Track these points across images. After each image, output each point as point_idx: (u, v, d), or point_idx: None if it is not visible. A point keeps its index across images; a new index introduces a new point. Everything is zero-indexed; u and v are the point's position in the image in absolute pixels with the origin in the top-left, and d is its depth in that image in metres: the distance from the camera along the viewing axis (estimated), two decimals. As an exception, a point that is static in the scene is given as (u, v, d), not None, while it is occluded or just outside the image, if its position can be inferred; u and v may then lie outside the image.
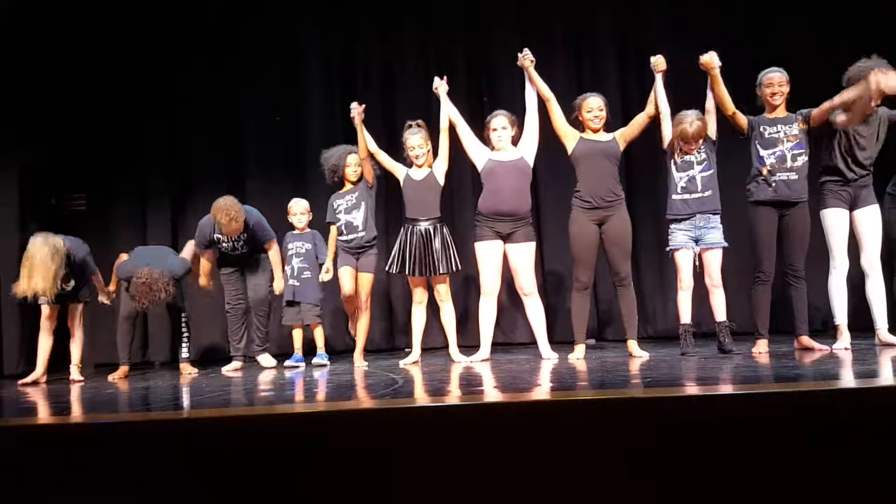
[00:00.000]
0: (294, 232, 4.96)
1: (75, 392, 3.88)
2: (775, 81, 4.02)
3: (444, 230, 4.51)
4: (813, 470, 2.11)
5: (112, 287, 4.88)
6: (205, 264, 4.84)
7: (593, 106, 4.28)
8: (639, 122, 4.29)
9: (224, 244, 4.72)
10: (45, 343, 4.51)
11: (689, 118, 4.00)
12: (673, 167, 4.10)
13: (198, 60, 5.93)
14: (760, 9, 5.52)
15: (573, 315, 4.31)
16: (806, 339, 4.02)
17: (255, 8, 5.95)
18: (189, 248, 4.94)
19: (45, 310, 4.49)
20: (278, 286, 4.79)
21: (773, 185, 3.96)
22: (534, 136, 4.40)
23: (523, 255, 4.36)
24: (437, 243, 4.43)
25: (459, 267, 4.55)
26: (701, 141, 4.03)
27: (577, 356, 4.20)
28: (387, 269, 4.60)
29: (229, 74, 5.96)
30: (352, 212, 4.66)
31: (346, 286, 4.64)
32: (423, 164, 4.53)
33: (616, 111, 5.13)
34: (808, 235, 4.01)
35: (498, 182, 4.34)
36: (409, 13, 5.98)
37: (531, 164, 4.41)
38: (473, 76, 5.96)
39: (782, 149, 3.97)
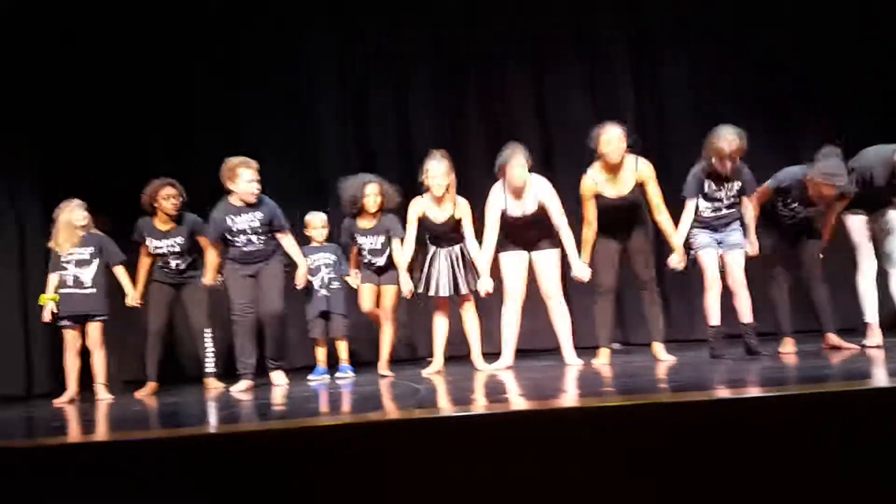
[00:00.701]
0: (314, 245, 4.91)
1: (104, 410, 3.92)
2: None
3: (466, 250, 4.50)
4: (843, 470, 2.07)
5: (139, 290, 4.72)
6: (212, 257, 4.50)
7: (612, 138, 4.09)
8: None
9: (239, 230, 4.30)
10: (72, 362, 4.52)
11: (728, 136, 3.85)
12: (702, 197, 4.04)
13: (198, 60, 5.93)
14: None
15: (597, 320, 4.30)
16: (834, 338, 3.98)
17: (255, 8, 5.95)
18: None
19: (68, 331, 4.52)
20: (301, 276, 4.47)
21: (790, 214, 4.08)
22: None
23: (547, 261, 4.34)
24: (461, 264, 4.45)
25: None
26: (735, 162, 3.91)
27: (602, 361, 4.19)
28: (416, 290, 4.54)
29: (229, 74, 5.96)
30: (377, 255, 4.61)
31: (366, 303, 4.67)
32: (441, 196, 4.38)
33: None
34: (818, 234, 4.11)
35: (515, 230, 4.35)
36: (410, 13, 5.97)
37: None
38: (485, 76, 5.98)
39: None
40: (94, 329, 4.53)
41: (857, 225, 4.08)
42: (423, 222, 4.47)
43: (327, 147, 6.06)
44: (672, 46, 5.82)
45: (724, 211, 4.05)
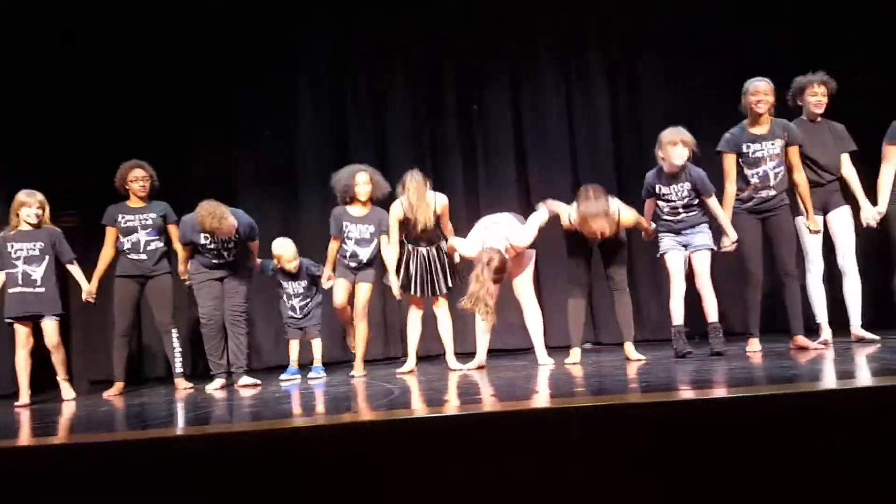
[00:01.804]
0: (284, 269, 4.75)
1: (70, 411, 3.85)
2: (761, 90, 3.99)
3: (443, 251, 4.58)
4: (808, 469, 2.11)
5: (93, 285, 4.61)
6: (182, 252, 4.54)
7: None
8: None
9: (210, 248, 4.35)
10: (23, 362, 4.35)
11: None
12: (659, 201, 4.15)
13: (198, 60, 5.91)
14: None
15: (570, 320, 4.34)
16: (801, 339, 4.04)
17: (255, 8, 5.93)
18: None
19: (20, 329, 4.36)
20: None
21: (752, 201, 4.04)
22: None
23: (520, 264, 4.35)
24: (437, 265, 4.54)
25: (460, 281, 4.57)
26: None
27: (573, 360, 4.24)
28: (399, 292, 4.59)
29: (229, 74, 5.95)
30: (363, 245, 4.61)
31: (339, 298, 4.65)
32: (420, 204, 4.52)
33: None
34: (794, 237, 4.09)
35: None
36: (409, 12, 5.98)
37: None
38: (463, 86, 6.02)
39: (765, 168, 4.02)
40: (50, 328, 4.38)
41: (804, 226, 4.11)
42: (405, 223, 4.53)
43: (307, 148, 6.06)
44: (650, 50, 5.91)
45: (683, 214, 4.10)
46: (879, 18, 5.38)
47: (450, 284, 4.57)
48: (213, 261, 4.40)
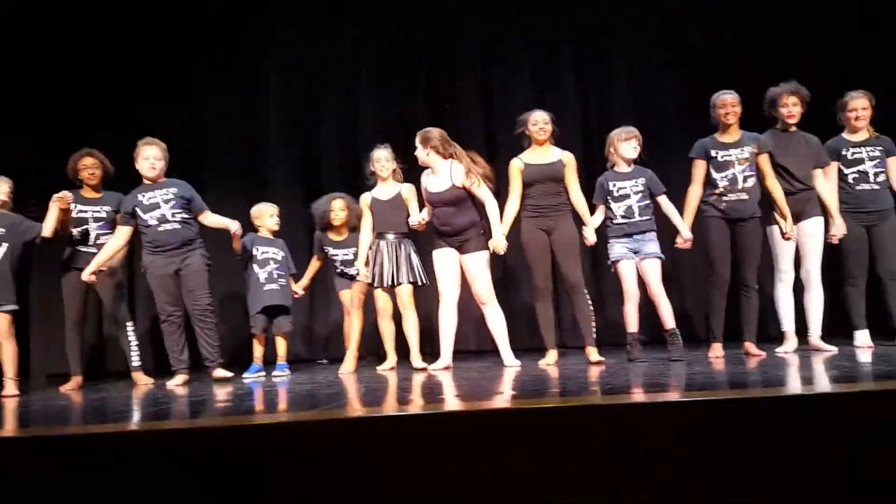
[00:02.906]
0: (262, 235, 4.86)
1: (13, 404, 3.75)
2: (728, 102, 4.17)
3: (410, 244, 4.66)
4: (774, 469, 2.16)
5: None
6: (116, 241, 4.38)
7: (538, 119, 4.38)
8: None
9: (151, 209, 4.23)
10: None
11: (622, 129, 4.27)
12: (610, 199, 4.25)
13: (198, 60, 5.87)
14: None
15: (539, 322, 4.40)
16: (748, 345, 4.18)
17: (255, 8, 5.92)
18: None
19: None
20: (235, 226, 4.44)
21: (724, 205, 4.15)
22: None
23: (476, 265, 4.35)
24: (402, 255, 4.59)
25: (426, 281, 4.64)
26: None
27: (548, 361, 4.31)
28: (368, 281, 4.68)
29: (229, 74, 5.94)
30: (350, 266, 4.92)
31: (353, 303, 4.85)
32: (387, 179, 4.73)
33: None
34: (759, 248, 4.19)
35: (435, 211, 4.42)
36: (409, 12, 6.02)
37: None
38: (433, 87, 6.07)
39: (734, 171, 4.14)
40: (2, 320, 4.28)
41: (779, 234, 4.22)
42: (373, 208, 4.68)
43: (272, 141, 6.06)
44: (619, 46, 6.02)
45: (637, 217, 4.18)
46: (879, 18, 5.49)
47: (419, 278, 4.61)
48: (160, 230, 4.24)
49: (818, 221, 4.28)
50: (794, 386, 2.91)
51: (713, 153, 4.19)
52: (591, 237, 4.28)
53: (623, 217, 4.20)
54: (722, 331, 4.21)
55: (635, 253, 4.20)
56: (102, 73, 5.61)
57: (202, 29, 5.85)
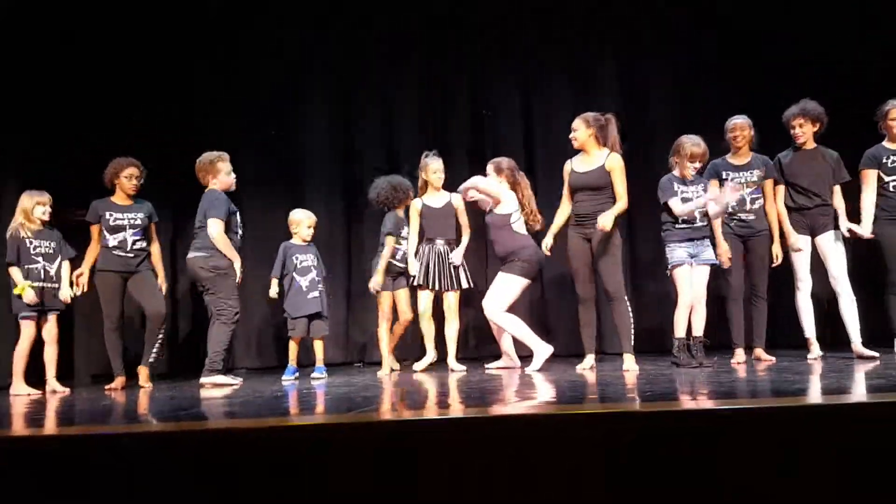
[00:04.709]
0: (298, 243, 4.92)
1: (60, 403, 3.83)
2: (737, 126, 4.45)
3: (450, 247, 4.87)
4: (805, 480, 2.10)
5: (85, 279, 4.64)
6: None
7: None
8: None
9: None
10: (26, 355, 4.48)
11: (693, 139, 4.28)
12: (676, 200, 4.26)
13: (198, 60, 5.92)
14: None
15: (581, 327, 4.51)
16: (759, 351, 4.44)
17: (255, 8, 5.95)
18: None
19: (30, 324, 4.50)
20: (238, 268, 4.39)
21: (734, 223, 4.46)
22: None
23: (498, 280, 4.57)
24: (453, 261, 4.82)
25: (472, 284, 4.90)
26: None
27: (584, 366, 4.39)
28: (414, 283, 4.80)
29: (229, 74, 5.96)
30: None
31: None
32: (439, 188, 4.90)
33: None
34: (767, 260, 4.46)
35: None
36: (412, 12, 6.02)
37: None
38: (473, 90, 6.05)
39: (742, 194, 4.39)
40: (53, 322, 4.54)
41: (792, 246, 4.38)
42: (424, 213, 4.84)
43: (316, 148, 6.10)
44: (656, 47, 5.97)
45: (699, 223, 4.27)
46: (879, 18, 5.41)
47: (467, 283, 4.86)
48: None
49: (835, 234, 4.38)
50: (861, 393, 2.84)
51: (724, 174, 4.45)
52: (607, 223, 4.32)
53: (685, 221, 4.24)
54: (742, 338, 4.43)
55: (692, 256, 4.25)
56: (102, 74, 5.62)
57: (202, 29, 5.90)
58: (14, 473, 2.20)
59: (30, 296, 4.46)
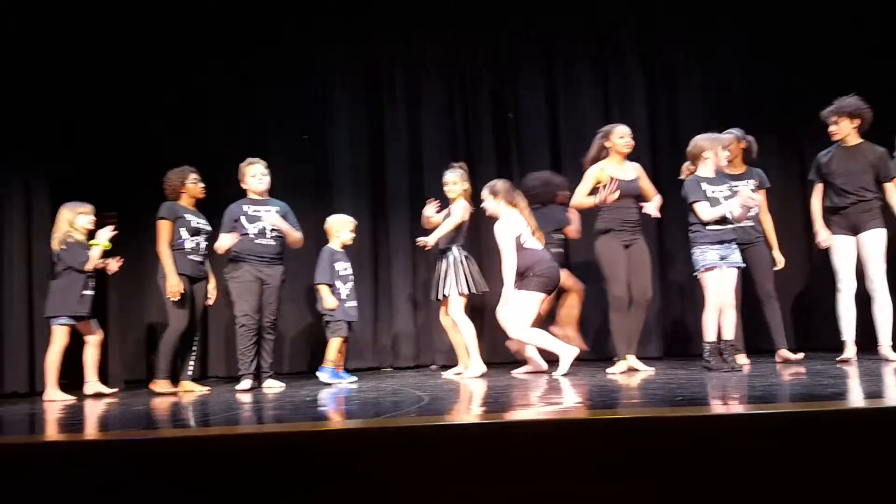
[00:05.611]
0: (338, 250, 4.92)
1: (109, 407, 3.90)
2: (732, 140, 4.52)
3: (471, 259, 4.93)
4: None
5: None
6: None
7: (625, 132, 4.56)
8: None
9: (254, 220, 4.55)
10: (59, 359, 4.56)
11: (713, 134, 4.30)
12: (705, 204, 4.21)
13: (212, 60, 5.94)
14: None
15: (613, 332, 4.50)
16: (784, 352, 4.49)
17: (268, 9, 5.95)
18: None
19: (65, 329, 4.57)
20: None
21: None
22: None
23: (517, 299, 4.48)
24: (474, 266, 4.88)
25: (487, 288, 4.91)
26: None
27: (615, 371, 4.37)
28: (460, 292, 4.75)
29: (244, 75, 5.98)
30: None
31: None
32: (456, 200, 4.86)
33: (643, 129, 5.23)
34: (770, 263, 4.58)
35: None
36: (432, 13, 6.03)
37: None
38: (499, 93, 6.04)
39: (754, 196, 4.32)
40: (96, 326, 4.71)
41: (838, 246, 4.30)
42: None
43: (338, 152, 6.12)
44: (685, 49, 5.93)
45: (729, 225, 4.20)
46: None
47: (484, 286, 4.86)
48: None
49: (876, 234, 4.25)
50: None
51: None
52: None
53: (717, 223, 4.18)
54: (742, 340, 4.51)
55: (722, 258, 4.17)
56: (115, 74, 5.65)
57: (216, 29, 5.91)
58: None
59: (96, 253, 4.58)
